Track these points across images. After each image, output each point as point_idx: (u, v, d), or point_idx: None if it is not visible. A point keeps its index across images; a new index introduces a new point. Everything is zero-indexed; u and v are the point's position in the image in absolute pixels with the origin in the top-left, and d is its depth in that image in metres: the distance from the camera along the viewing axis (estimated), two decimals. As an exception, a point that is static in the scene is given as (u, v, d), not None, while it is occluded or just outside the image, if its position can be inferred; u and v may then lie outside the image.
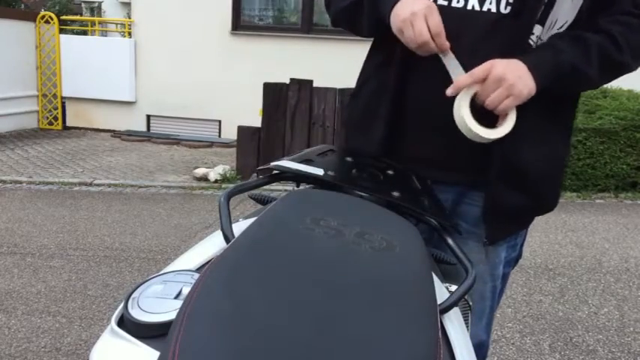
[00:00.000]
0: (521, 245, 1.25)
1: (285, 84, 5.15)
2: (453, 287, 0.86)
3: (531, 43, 1.02)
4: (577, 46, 1.01)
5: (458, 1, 1.03)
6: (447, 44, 0.99)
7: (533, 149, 1.07)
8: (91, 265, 3.24)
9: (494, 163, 1.06)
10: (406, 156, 1.11)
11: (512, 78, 0.96)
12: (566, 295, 3.03)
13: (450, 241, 0.91)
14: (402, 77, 1.09)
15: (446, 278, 0.91)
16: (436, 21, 0.98)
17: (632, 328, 2.71)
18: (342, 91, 5.06)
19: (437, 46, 0.99)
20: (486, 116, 0.99)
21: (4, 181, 4.98)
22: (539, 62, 1.00)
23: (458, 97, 0.98)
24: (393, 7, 1.01)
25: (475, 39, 1.02)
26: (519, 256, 1.26)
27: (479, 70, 0.97)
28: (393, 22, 1.01)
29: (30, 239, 3.62)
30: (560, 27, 1.03)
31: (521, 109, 1.01)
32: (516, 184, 1.08)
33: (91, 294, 2.89)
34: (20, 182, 4.98)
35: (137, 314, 0.64)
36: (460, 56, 1.01)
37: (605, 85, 5.80)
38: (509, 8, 1.00)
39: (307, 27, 6.67)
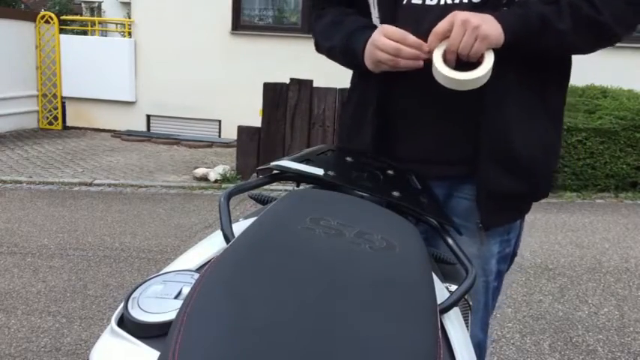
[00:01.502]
0: (516, 242, 1.24)
1: (285, 84, 5.15)
2: (453, 287, 0.86)
3: None
4: (548, 3, 1.01)
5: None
6: (415, 40, 1.00)
7: (522, 134, 1.06)
8: (91, 265, 3.24)
9: (483, 149, 1.06)
10: (396, 156, 1.13)
11: (476, 21, 0.96)
12: (566, 295, 3.03)
13: (450, 241, 0.91)
14: (385, 83, 1.11)
15: (446, 278, 0.91)
16: (389, 31, 1.01)
17: (632, 328, 2.71)
18: (342, 91, 5.06)
19: (411, 45, 1.01)
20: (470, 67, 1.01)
21: (4, 181, 4.98)
22: (506, 13, 1.01)
23: (432, 59, 0.99)
24: (362, 54, 1.08)
25: None
26: (514, 253, 1.25)
27: (442, 23, 0.98)
28: (369, 65, 1.07)
29: (30, 239, 3.62)
30: None
31: (507, 94, 1.04)
32: (507, 168, 1.08)
33: (91, 294, 2.89)
34: (20, 182, 4.99)
35: (137, 314, 0.63)
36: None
37: (605, 85, 5.80)
38: None
39: (307, 27, 6.66)
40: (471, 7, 1.01)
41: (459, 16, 0.96)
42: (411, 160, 1.12)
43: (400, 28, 1.03)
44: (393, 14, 1.08)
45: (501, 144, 1.06)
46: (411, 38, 1.01)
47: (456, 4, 1.03)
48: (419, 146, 1.12)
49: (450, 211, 1.13)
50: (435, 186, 1.11)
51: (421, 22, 1.04)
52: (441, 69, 0.97)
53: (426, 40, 1.01)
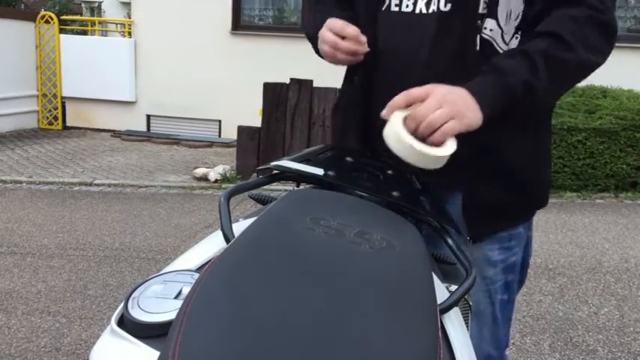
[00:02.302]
0: (526, 251, 1.18)
1: (285, 84, 5.15)
2: (453, 287, 0.86)
3: (487, 37, 1.00)
4: (521, 61, 0.93)
5: (407, 6, 1.05)
6: (350, 31, 1.00)
7: (508, 140, 1.03)
8: (91, 265, 3.24)
9: (468, 158, 1.01)
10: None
11: (456, 98, 0.88)
12: (566, 295, 3.03)
13: (449, 241, 0.91)
14: (367, 90, 1.12)
15: (446, 278, 0.91)
16: (331, 23, 1.01)
17: (632, 328, 2.71)
18: (342, 91, 5.06)
19: (350, 36, 1.00)
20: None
21: (4, 181, 4.98)
22: (484, 85, 0.93)
23: (390, 118, 0.88)
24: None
25: (428, 41, 1.03)
26: (525, 263, 1.19)
27: (418, 90, 0.89)
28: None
29: (30, 239, 3.62)
30: (516, 18, 1.01)
31: None
32: (493, 177, 1.05)
33: (91, 294, 2.89)
34: (20, 182, 4.99)
35: (137, 314, 0.63)
36: (418, 60, 1.03)
37: (605, 85, 5.80)
38: (449, 5, 1.01)
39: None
40: (442, 16, 1.01)
41: (439, 90, 0.89)
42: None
43: (379, 33, 1.06)
44: (373, 18, 1.09)
45: (484, 155, 1.03)
46: (349, 29, 1.00)
47: (430, 14, 1.02)
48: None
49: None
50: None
51: (398, 29, 1.06)
52: (402, 134, 0.83)
53: (407, 51, 1.02)
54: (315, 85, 5.12)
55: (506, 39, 1.01)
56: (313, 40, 1.14)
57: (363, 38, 1.01)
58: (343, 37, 1.02)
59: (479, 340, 1.14)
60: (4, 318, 2.62)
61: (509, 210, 1.11)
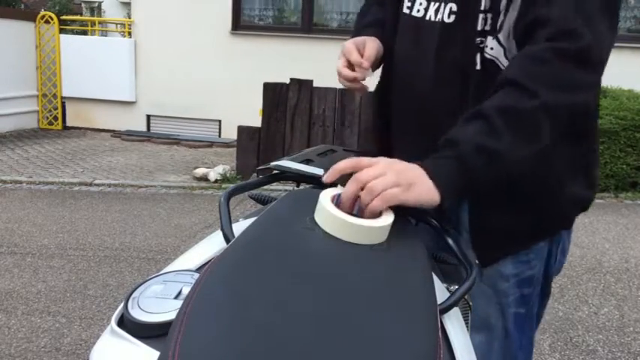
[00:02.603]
0: (547, 262, 1.08)
1: (285, 84, 5.15)
2: (453, 287, 0.86)
3: (490, 57, 0.94)
4: (475, 124, 0.82)
5: (418, 11, 1.04)
6: (357, 58, 1.02)
7: (518, 165, 0.89)
8: (91, 265, 3.24)
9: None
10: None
11: (405, 169, 0.79)
12: (566, 295, 3.03)
13: (450, 241, 0.91)
14: (384, 90, 1.14)
15: (446, 278, 0.91)
16: (348, 46, 1.04)
17: (632, 328, 2.71)
18: (342, 91, 5.06)
19: (354, 62, 1.03)
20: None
21: (4, 181, 4.98)
22: (437, 164, 0.81)
23: (319, 197, 0.75)
24: None
25: (432, 52, 1.01)
26: (547, 277, 1.10)
27: (366, 160, 0.79)
28: None
29: (30, 239, 3.62)
30: (511, 35, 0.94)
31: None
32: (500, 203, 0.97)
33: (91, 294, 2.89)
34: (20, 182, 4.98)
35: (137, 314, 0.63)
36: (422, 70, 1.02)
37: (605, 85, 5.79)
38: (452, 17, 0.98)
39: (307, 27, 6.66)
40: (446, 27, 0.99)
41: (388, 159, 0.79)
42: None
43: (398, 36, 1.07)
44: (395, 19, 1.10)
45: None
46: (353, 56, 1.03)
47: (436, 21, 1.00)
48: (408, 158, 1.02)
49: (461, 225, 1.07)
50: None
51: (406, 34, 1.07)
52: (327, 205, 0.73)
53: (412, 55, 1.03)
54: (315, 85, 5.12)
55: (509, 56, 0.94)
56: None
57: (366, 64, 1.02)
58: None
59: (487, 353, 1.09)
60: (4, 318, 2.62)
61: (519, 236, 1.02)
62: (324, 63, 6.57)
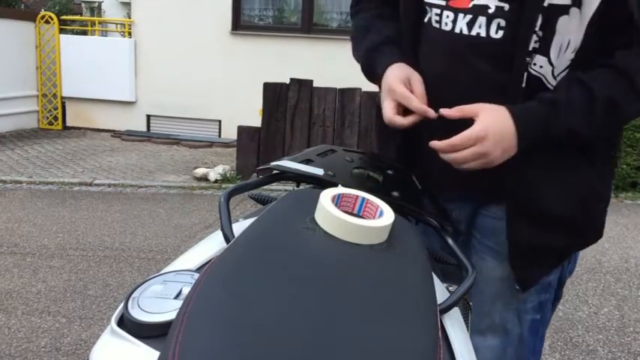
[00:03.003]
0: (562, 269, 1.11)
1: (285, 84, 5.15)
2: (453, 287, 0.86)
3: (536, 74, 0.92)
4: (580, 101, 0.89)
5: (446, 24, 0.97)
6: (423, 108, 0.95)
7: (552, 187, 0.96)
8: (91, 265, 3.24)
9: (509, 202, 0.97)
10: (420, 169, 1.08)
11: (497, 133, 0.89)
12: (566, 295, 3.03)
13: (450, 241, 0.91)
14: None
15: (446, 278, 0.91)
16: (401, 92, 0.96)
17: (632, 328, 2.71)
18: (342, 91, 5.06)
19: (416, 110, 0.96)
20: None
21: (4, 181, 4.98)
22: (530, 122, 0.90)
23: (320, 197, 0.75)
24: (383, 72, 1.03)
25: (467, 69, 0.96)
26: (561, 281, 1.12)
27: (469, 108, 0.91)
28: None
29: (30, 239, 3.62)
30: (573, 51, 0.91)
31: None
32: (538, 223, 0.98)
33: (91, 294, 2.89)
34: (20, 182, 4.98)
35: (137, 314, 0.63)
36: (453, 87, 0.97)
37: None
38: (501, 33, 0.92)
39: (307, 27, 6.67)
40: (490, 43, 0.93)
41: (480, 126, 0.89)
42: (431, 177, 1.06)
43: (421, 47, 1.02)
44: (415, 30, 1.03)
45: (528, 198, 0.97)
46: (414, 104, 0.96)
47: (472, 35, 0.94)
48: (439, 165, 0.99)
49: (475, 229, 1.09)
50: (459, 206, 1.08)
51: (434, 48, 1.00)
52: (327, 205, 0.72)
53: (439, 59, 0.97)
54: (315, 85, 5.12)
55: (556, 73, 0.93)
56: (364, 66, 1.10)
57: (432, 113, 0.95)
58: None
59: (501, 358, 1.09)
60: (4, 318, 2.62)
61: (559, 252, 1.05)
62: (324, 63, 6.60)
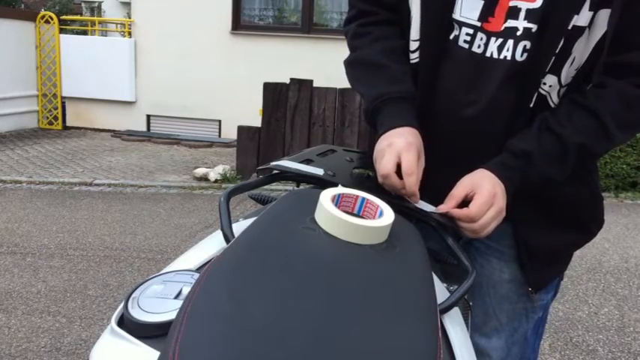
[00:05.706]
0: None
1: (285, 84, 5.15)
2: (453, 287, 0.86)
3: (544, 93, 0.94)
4: (552, 153, 0.92)
5: (479, 46, 0.94)
6: (415, 190, 0.90)
7: (558, 188, 0.99)
8: (91, 265, 3.24)
9: (516, 206, 0.97)
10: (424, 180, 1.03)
11: (499, 193, 0.91)
12: (566, 295, 3.03)
13: (450, 241, 0.91)
14: (422, 115, 1.01)
15: (446, 278, 0.91)
16: (409, 160, 0.89)
17: (632, 328, 2.71)
18: (342, 91, 5.06)
19: (404, 186, 0.89)
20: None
21: (4, 181, 4.98)
22: (509, 176, 0.93)
23: (320, 198, 0.74)
24: (384, 132, 0.96)
25: (491, 86, 0.95)
26: (560, 278, 1.16)
27: (458, 191, 0.91)
28: (375, 148, 0.96)
29: (30, 239, 3.62)
30: (577, 68, 0.92)
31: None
32: (547, 222, 1.01)
33: (91, 294, 2.89)
34: (20, 182, 4.99)
35: (137, 314, 0.63)
36: (472, 107, 0.96)
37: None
38: (525, 55, 0.92)
39: (307, 27, 6.66)
40: (513, 65, 0.92)
41: (485, 188, 0.90)
42: (435, 186, 1.00)
43: (442, 65, 0.97)
44: (438, 51, 0.98)
45: (537, 200, 0.99)
46: (410, 180, 0.89)
47: (500, 59, 0.93)
48: (440, 176, 0.97)
49: None
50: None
51: (463, 68, 0.96)
52: (327, 205, 0.72)
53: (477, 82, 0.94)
54: (315, 85, 5.12)
55: (562, 92, 0.95)
56: (366, 111, 1.02)
57: (417, 197, 0.92)
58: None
59: (505, 358, 1.10)
60: (4, 318, 2.62)
61: (567, 250, 1.10)
62: (324, 63, 6.60)
